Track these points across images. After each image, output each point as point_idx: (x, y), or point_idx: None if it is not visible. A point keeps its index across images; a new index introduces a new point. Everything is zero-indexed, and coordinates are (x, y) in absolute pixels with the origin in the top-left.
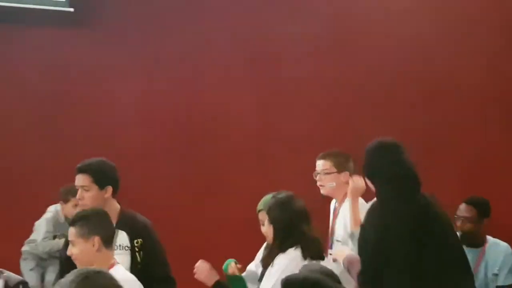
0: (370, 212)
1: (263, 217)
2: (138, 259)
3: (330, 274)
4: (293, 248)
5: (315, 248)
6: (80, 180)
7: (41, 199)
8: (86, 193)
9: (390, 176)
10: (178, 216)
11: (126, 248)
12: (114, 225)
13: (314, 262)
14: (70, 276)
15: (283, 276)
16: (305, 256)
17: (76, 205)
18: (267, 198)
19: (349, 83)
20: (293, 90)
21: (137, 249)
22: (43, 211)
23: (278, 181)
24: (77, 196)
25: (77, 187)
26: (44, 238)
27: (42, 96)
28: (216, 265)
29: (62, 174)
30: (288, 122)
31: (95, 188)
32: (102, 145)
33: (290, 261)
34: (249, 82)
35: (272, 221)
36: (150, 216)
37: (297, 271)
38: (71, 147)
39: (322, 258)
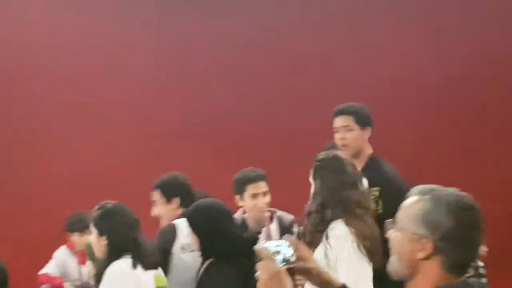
0: None
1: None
2: (377, 206)
3: None
4: (124, 258)
5: (149, 256)
6: (342, 120)
7: None
8: (349, 133)
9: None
10: None
11: None
12: (360, 168)
13: None
14: None
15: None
16: (135, 264)
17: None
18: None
19: None
20: None
21: (373, 197)
22: None
23: None
24: (339, 136)
25: (336, 129)
26: None
27: None
28: None
29: None
30: None
31: (357, 128)
32: None
33: (119, 271)
34: None
35: (101, 232)
36: None
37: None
38: None
39: (156, 268)
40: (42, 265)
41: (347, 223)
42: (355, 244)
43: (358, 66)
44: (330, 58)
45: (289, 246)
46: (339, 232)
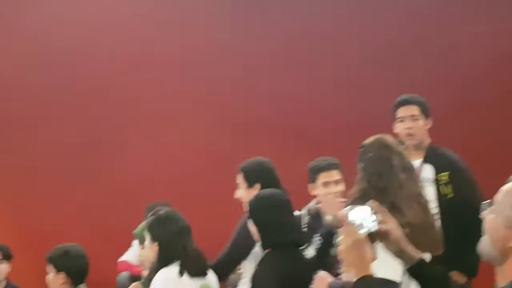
0: None
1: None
2: (444, 191)
3: None
4: (173, 265)
5: (196, 264)
6: (409, 110)
7: None
8: (415, 123)
9: None
10: None
11: (431, 181)
12: (422, 157)
13: None
14: None
15: None
16: (182, 272)
17: None
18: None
19: None
20: None
21: (442, 182)
22: None
23: None
24: (405, 125)
25: (401, 118)
26: None
27: None
28: None
29: None
30: None
31: (422, 118)
32: None
33: (166, 278)
34: None
35: (153, 238)
36: None
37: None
38: None
39: (204, 275)
40: (121, 253)
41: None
42: None
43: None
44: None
45: (371, 212)
46: None
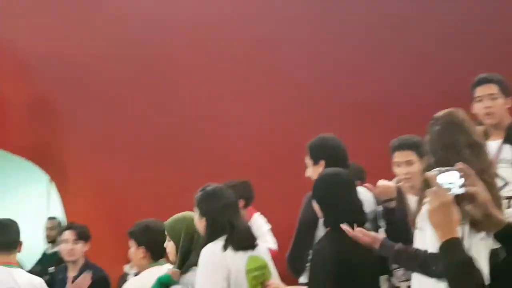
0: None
1: None
2: None
3: None
4: (219, 239)
5: (242, 238)
6: (488, 89)
7: None
8: (494, 102)
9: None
10: None
11: (511, 162)
12: (502, 137)
13: None
14: None
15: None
16: (226, 246)
17: None
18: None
19: None
20: None
21: None
22: None
23: None
24: (483, 105)
25: (479, 98)
26: None
27: None
28: None
29: None
30: None
31: (502, 96)
32: None
33: (212, 252)
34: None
35: (201, 213)
36: None
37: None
38: None
39: (252, 248)
40: None
41: None
42: None
43: None
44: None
45: (459, 175)
46: None
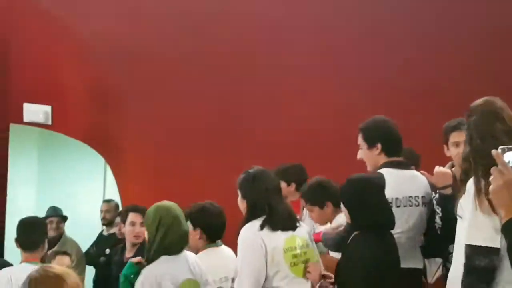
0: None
1: None
2: None
3: None
4: (258, 220)
5: (280, 220)
6: None
7: None
8: None
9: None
10: None
11: None
12: None
13: None
14: None
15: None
16: (262, 226)
17: None
18: None
19: None
20: None
21: None
22: None
23: None
24: None
25: None
26: None
27: None
28: None
29: None
30: None
31: None
32: None
33: (250, 230)
34: None
35: (243, 195)
36: None
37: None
38: None
39: (292, 229)
40: None
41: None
42: (476, 200)
43: None
44: None
45: None
46: (468, 186)
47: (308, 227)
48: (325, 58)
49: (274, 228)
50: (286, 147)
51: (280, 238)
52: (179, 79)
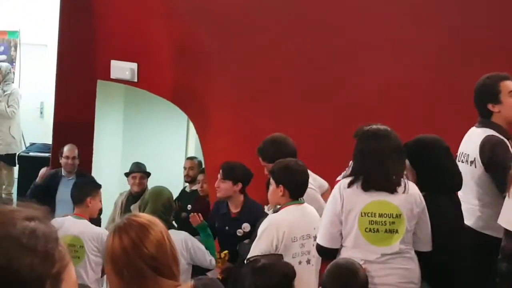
0: None
1: None
2: None
3: None
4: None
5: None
6: None
7: None
8: None
9: None
10: None
11: None
12: None
13: None
14: None
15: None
16: (350, 184)
17: None
18: None
19: None
20: None
21: None
22: None
23: None
24: None
25: None
26: None
27: None
28: None
29: None
30: None
31: None
32: None
33: (337, 187)
34: None
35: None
36: None
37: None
38: None
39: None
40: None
41: None
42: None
43: None
44: None
45: None
46: None
47: None
48: (416, 15)
49: (365, 188)
50: (373, 101)
51: (362, 200)
52: (270, 39)
